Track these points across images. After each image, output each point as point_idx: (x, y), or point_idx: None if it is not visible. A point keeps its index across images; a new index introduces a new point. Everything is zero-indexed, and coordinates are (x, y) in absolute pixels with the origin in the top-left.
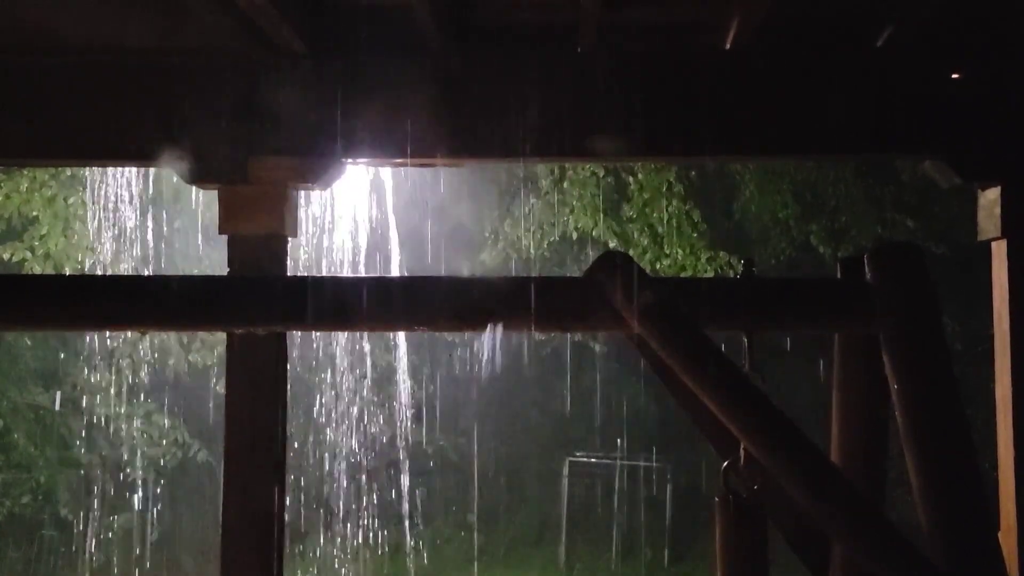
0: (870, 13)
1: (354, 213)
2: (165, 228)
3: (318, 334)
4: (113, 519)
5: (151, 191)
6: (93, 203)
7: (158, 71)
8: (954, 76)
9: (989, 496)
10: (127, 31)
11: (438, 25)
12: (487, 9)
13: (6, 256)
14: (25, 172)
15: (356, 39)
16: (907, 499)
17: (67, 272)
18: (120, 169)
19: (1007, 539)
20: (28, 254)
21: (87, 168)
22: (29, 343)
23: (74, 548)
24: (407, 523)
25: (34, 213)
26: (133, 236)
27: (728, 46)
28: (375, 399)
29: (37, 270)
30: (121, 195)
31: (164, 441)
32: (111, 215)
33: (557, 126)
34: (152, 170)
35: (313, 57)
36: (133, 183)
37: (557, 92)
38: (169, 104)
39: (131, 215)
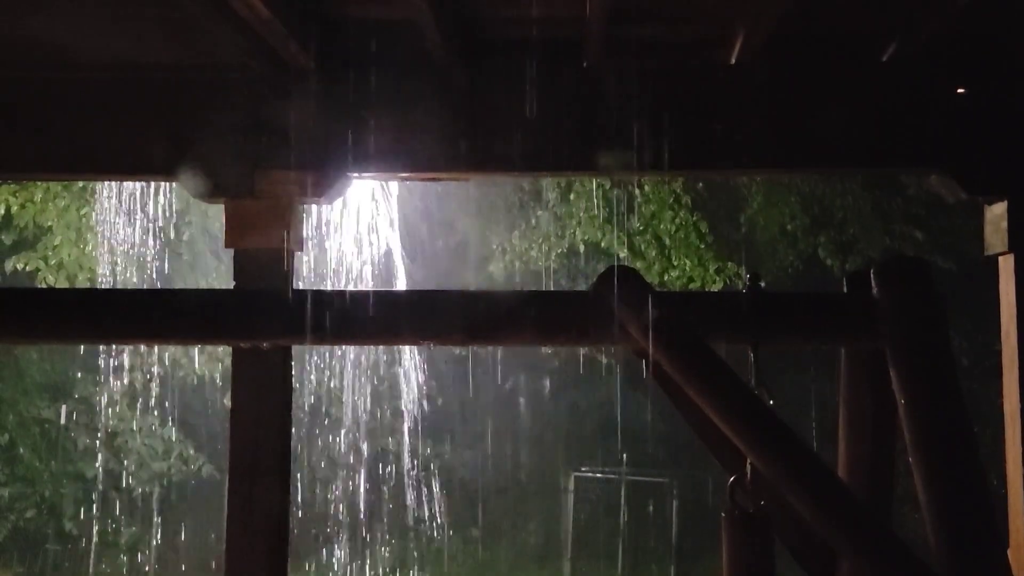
0: (875, 28)
1: (360, 226)
2: (178, 239)
3: (324, 347)
4: (118, 534)
5: (162, 204)
6: (103, 215)
7: (167, 87)
8: (960, 91)
9: (997, 512)
10: (137, 48)
11: (445, 41)
12: (494, 25)
13: (20, 266)
14: (38, 183)
15: (363, 54)
16: (915, 515)
17: (80, 282)
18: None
19: (1016, 556)
20: (41, 264)
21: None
22: (35, 356)
23: (79, 563)
24: (411, 537)
25: (48, 223)
26: (143, 248)
27: (733, 61)
28: (380, 412)
29: (51, 279)
30: (132, 207)
31: (170, 455)
32: (122, 226)
33: (563, 141)
34: (162, 183)
35: (320, 72)
36: (144, 195)
37: (563, 107)
38: (177, 119)
39: (141, 226)
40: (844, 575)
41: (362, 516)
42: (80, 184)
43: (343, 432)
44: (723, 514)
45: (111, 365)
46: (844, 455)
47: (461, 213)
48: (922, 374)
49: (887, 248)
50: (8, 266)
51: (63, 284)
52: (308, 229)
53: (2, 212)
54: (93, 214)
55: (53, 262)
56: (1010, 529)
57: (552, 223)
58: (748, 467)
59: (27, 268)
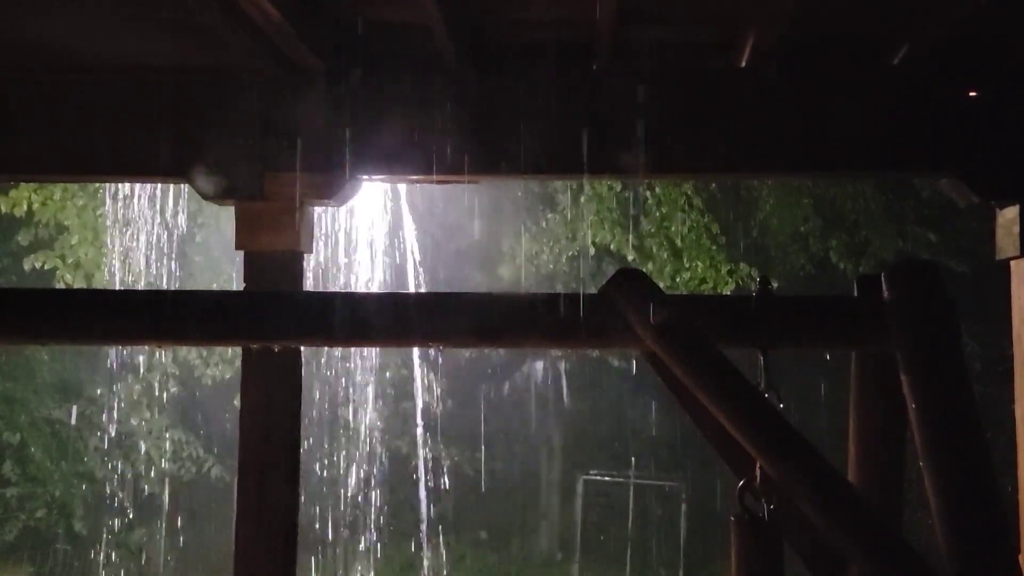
0: (886, 32)
1: (371, 229)
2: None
3: (335, 348)
4: (128, 534)
5: (176, 206)
6: (118, 215)
7: (176, 89)
8: (971, 94)
9: (1009, 517)
10: (147, 50)
11: (455, 43)
12: (503, 27)
13: (38, 264)
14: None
15: (373, 57)
16: (928, 521)
17: (97, 281)
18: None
19: None
20: (59, 263)
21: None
22: (46, 357)
23: (88, 563)
24: (419, 540)
25: (66, 222)
26: (157, 249)
27: (743, 64)
28: (390, 413)
29: (68, 278)
30: (145, 208)
31: (180, 456)
32: (136, 227)
33: (573, 143)
34: (173, 184)
35: (330, 75)
36: (158, 197)
37: (573, 109)
38: (187, 121)
39: (155, 228)
40: None
41: (369, 517)
42: (96, 184)
43: (351, 433)
44: (732, 518)
45: (121, 366)
46: (854, 459)
47: (471, 216)
48: (933, 378)
49: (900, 251)
50: (26, 265)
51: (80, 283)
52: (319, 230)
53: (24, 210)
54: (108, 214)
55: (70, 261)
56: (1021, 534)
57: (562, 225)
58: (757, 471)
59: (45, 267)
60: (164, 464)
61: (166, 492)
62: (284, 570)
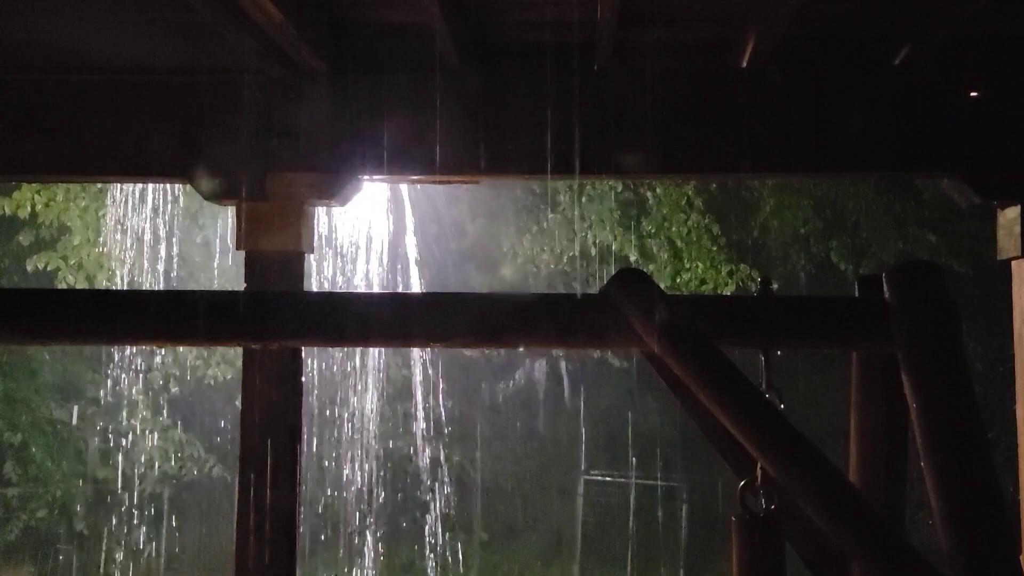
0: (887, 32)
1: (372, 229)
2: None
3: (336, 348)
4: (129, 534)
5: (178, 206)
6: (120, 215)
7: (179, 89)
8: (972, 95)
9: (1011, 518)
10: (150, 51)
11: (457, 44)
12: (505, 28)
13: (41, 265)
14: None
15: (374, 57)
16: (928, 522)
17: (99, 282)
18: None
19: None
20: (61, 263)
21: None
22: (47, 357)
23: (90, 563)
24: (420, 540)
25: (69, 223)
26: (159, 249)
27: (745, 64)
28: (390, 413)
29: (70, 279)
30: (147, 208)
31: (180, 456)
32: (137, 228)
33: (574, 143)
34: (175, 184)
35: (331, 75)
36: (160, 197)
37: (574, 110)
38: (188, 122)
39: (157, 228)
40: None
41: (371, 517)
42: (99, 185)
43: (351, 433)
44: (733, 518)
45: (122, 366)
46: (855, 460)
47: (472, 216)
48: (935, 379)
49: (901, 252)
50: (29, 266)
51: (82, 284)
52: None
53: (28, 211)
54: (108, 215)
55: (73, 262)
56: (1023, 535)
57: (563, 226)
58: (759, 471)
59: (47, 268)
60: (165, 464)
61: (167, 492)
62: (284, 570)
